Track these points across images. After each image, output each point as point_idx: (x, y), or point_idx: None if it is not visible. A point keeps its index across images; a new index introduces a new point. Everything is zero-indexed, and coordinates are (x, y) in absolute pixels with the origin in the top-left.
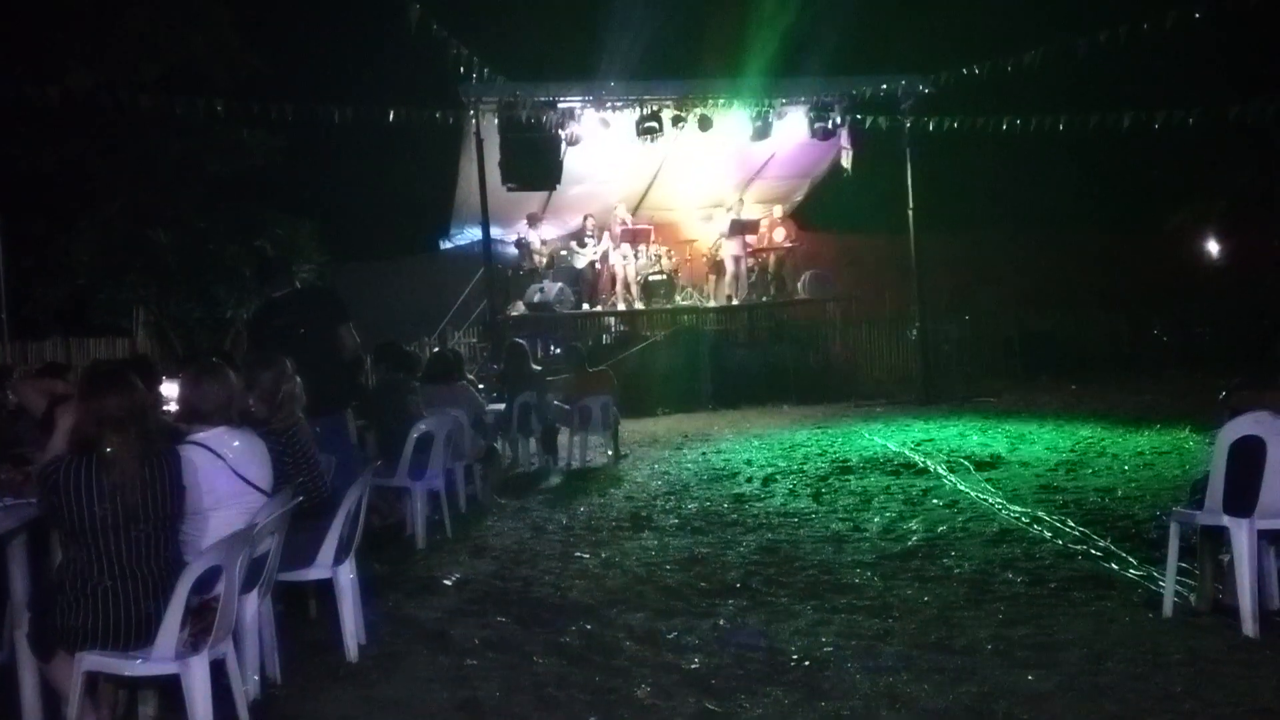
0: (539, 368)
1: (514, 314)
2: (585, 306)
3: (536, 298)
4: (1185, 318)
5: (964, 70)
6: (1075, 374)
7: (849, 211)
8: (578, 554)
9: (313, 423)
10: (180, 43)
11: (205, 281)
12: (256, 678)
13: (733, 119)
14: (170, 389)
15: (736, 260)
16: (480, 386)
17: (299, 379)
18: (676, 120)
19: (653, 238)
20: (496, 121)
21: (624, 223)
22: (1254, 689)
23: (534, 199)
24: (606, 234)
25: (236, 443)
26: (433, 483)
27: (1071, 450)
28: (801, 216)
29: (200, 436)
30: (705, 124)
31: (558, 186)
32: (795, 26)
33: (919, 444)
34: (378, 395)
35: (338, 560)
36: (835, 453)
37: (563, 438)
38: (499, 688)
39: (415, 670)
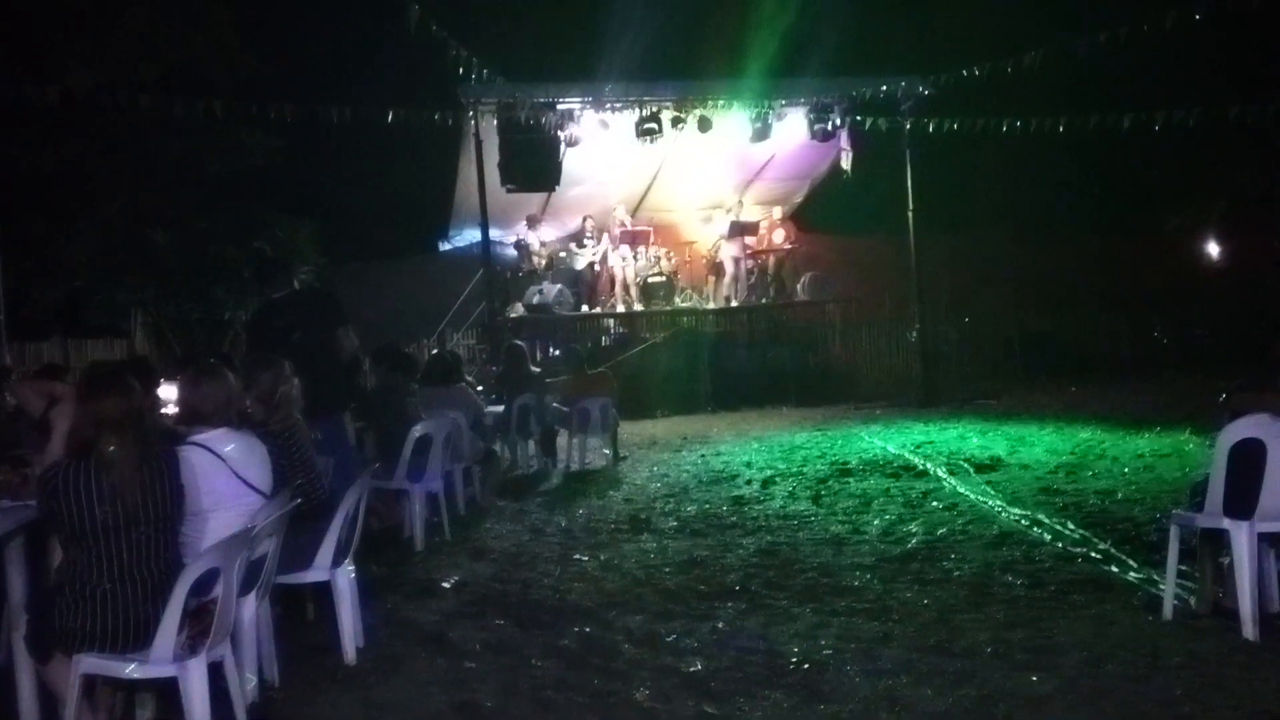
0: (538, 369)
1: (513, 316)
2: (584, 308)
3: (535, 299)
4: (1185, 319)
5: (964, 71)
6: (1075, 376)
7: (849, 213)
8: (576, 556)
9: (311, 425)
10: (180, 43)
11: (204, 282)
12: (254, 680)
13: (732, 120)
14: (168, 391)
15: (736, 262)
16: (479, 388)
17: (297, 380)
18: (676, 121)
19: (652, 239)
20: (496, 122)
21: (623, 224)
22: (1254, 692)
23: (533, 200)
24: (606, 235)
25: (237, 444)
26: (431, 485)
27: (1071, 453)
28: (801, 218)
29: (201, 437)
30: (705, 125)
31: (557, 188)
32: (795, 28)
33: (919, 446)
34: (376, 397)
35: (336, 562)
36: (835, 455)
37: (561, 440)
38: (497, 690)
39: (413, 673)
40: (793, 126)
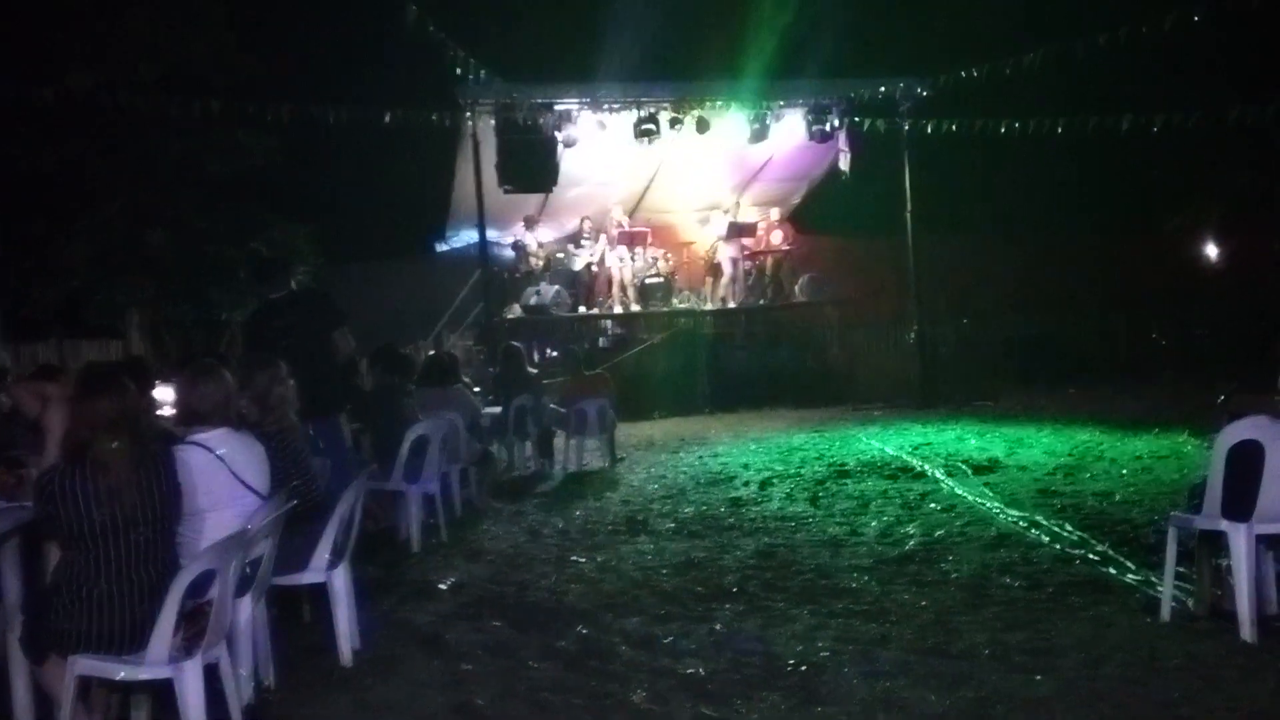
0: (535, 371)
1: (510, 317)
2: (582, 309)
3: (533, 300)
4: (1184, 320)
5: (962, 73)
6: (1073, 377)
7: (847, 214)
8: (574, 558)
9: (307, 426)
10: (179, 44)
11: (201, 283)
12: (250, 682)
13: (730, 121)
14: (164, 392)
15: (734, 263)
16: (476, 389)
17: (292, 382)
18: (674, 122)
19: (650, 240)
20: (493, 123)
21: (621, 225)
22: (1252, 694)
23: (531, 201)
24: (603, 236)
25: (236, 444)
26: (428, 486)
27: (1069, 454)
28: (799, 219)
29: (200, 437)
30: (703, 126)
31: (554, 189)
32: (793, 29)
33: (917, 448)
34: (373, 398)
35: (332, 564)
36: (832, 456)
37: (559, 441)
38: (494, 692)
39: (410, 674)
40: (791, 127)
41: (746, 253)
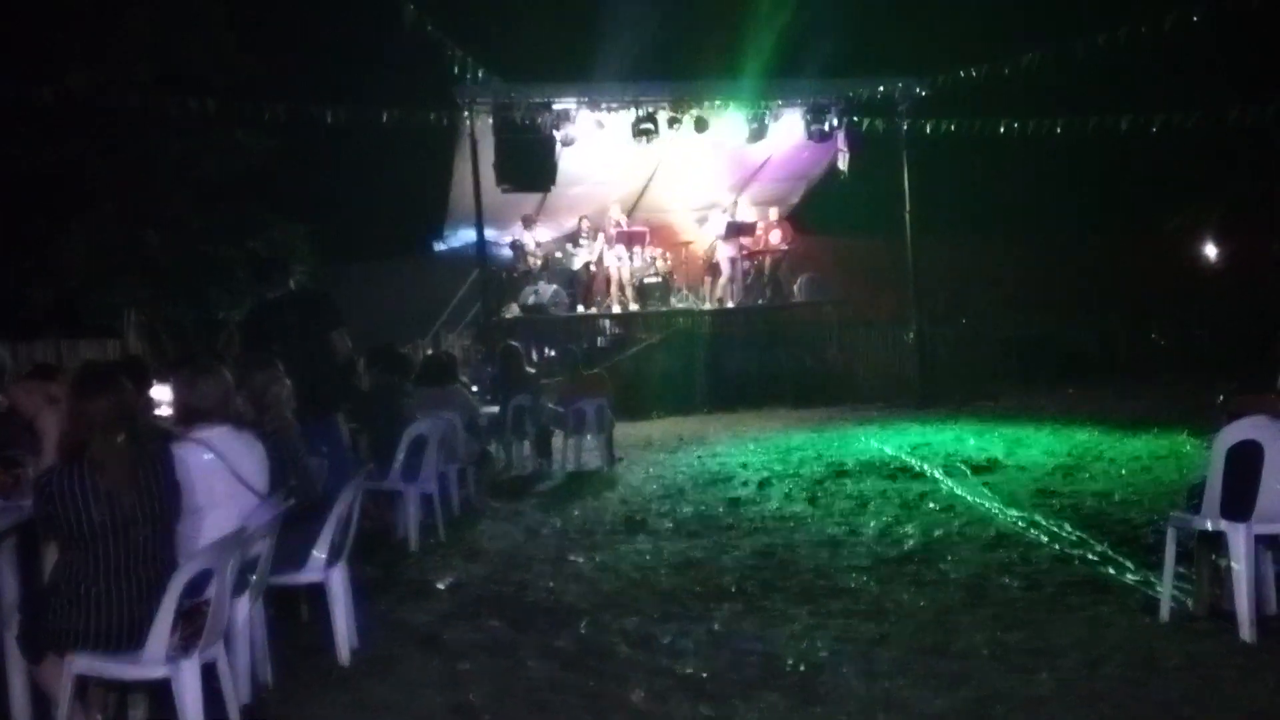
0: (533, 370)
1: (508, 316)
2: (580, 309)
3: (531, 300)
4: (1183, 321)
5: (961, 73)
6: (1073, 377)
7: (846, 214)
8: (572, 558)
9: (304, 426)
10: (178, 44)
11: (199, 283)
12: (248, 681)
13: (729, 121)
14: (162, 392)
15: (732, 262)
16: (474, 389)
17: (289, 382)
18: (672, 122)
19: (648, 240)
20: (491, 123)
21: (619, 225)
22: (1251, 694)
23: (529, 200)
24: (602, 236)
25: (236, 443)
26: (426, 486)
27: (1069, 454)
28: (798, 219)
29: (201, 435)
30: (701, 125)
31: (553, 188)
32: (792, 28)
33: (915, 448)
34: (371, 398)
35: (330, 563)
36: (831, 456)
37: (557, 441)
38: (492, 692)
39: (408, 674)
40: (789, 127)
41: (745, 252)
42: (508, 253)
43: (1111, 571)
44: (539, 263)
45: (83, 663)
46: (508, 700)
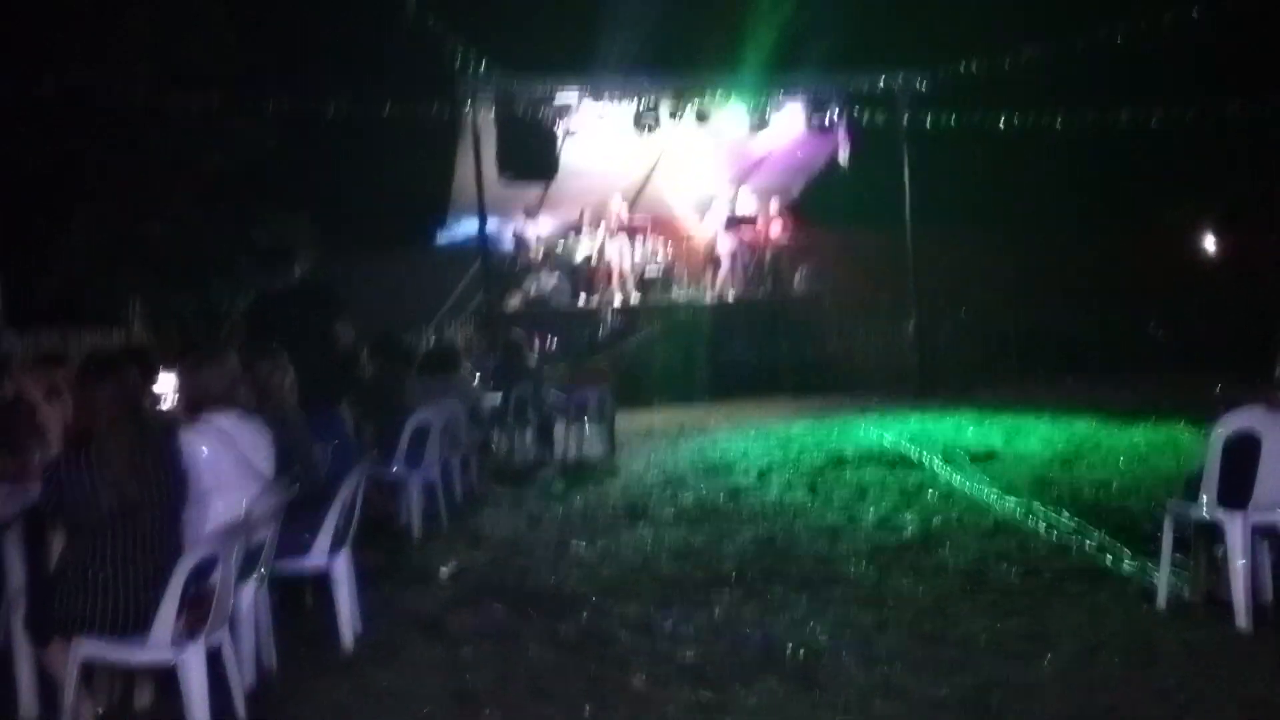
0: (535, 360)
1: (510, 307)
2: (581, 299)
3: (533, 290)
4: (1182, 313)
5: (962, 67)
6: (1071, 368)
7: (846, 206)
8: (573, 545)
9: (307, 415)
10: (179, 38)
11: (201, 274)
12: (252, 667)
13: (730, 113)
14: (167, 381)
15: (733, 254)
16: (476, 378)
17: (292, 370)
18: (674, 113)
19: (649, 231)
20: (493, 114)
21: (621, 216)
22: (1247, 681)
23: (531, 192)
24: (603, 227)
25: (245, 429)
26: (429, 474)
27: (1067, 444)
28: (798, 211)
29: (213, 419)
30: (702, 117)
31: (554, 179)
32: (793, 21)
33: (914, 437)
34: (374, 387)
35: (333, 550)
36: (831, 445)
37: (559, 430)
38: (494, 677)
39: (411, 660)
40: (790, 119)
41: (746, 244)
42: (510, 244)
43: (1109, 560)
44: (541, 254)
45: (89, 648)
46: (509, 686)
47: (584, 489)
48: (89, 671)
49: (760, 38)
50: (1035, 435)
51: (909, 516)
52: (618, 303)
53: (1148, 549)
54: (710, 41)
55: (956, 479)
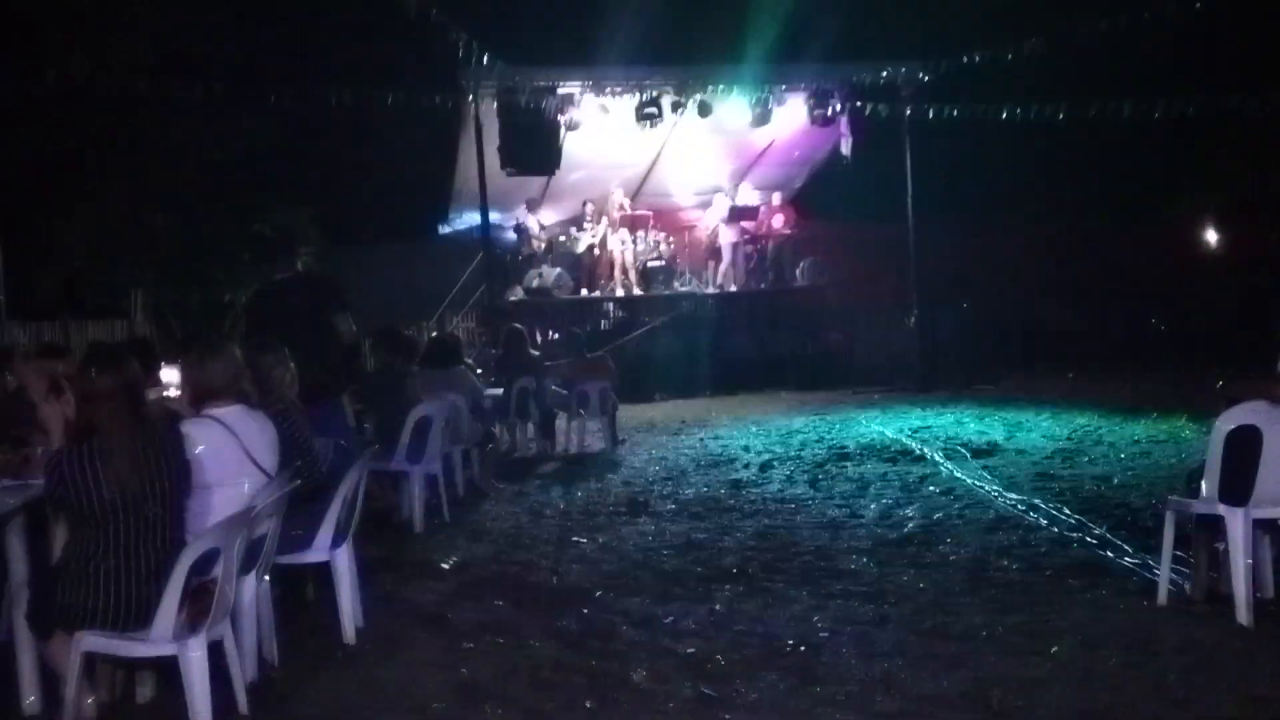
0: (537, 353)
1: (512, 299)
2: (584, 292)
3: (535, 283)
4: (1183, 308)
5: (964, 59)
6: (1073, 362)
7: (848, 199)
8: (575, 539)
9: (309, 408)
10: (181, 27)
11: (203, 265)
12: (254, 660)
13: (732, 105)
14: (170, 373)
15: (735, 247)
16: (479, 371)
17: (293, 365)
18: (676, 106)
19: (652, 223)
20: (496, 106)
21: (623, 208)
22: (1247, 677)
23: (533, 184)
24: (605, 220)
25: (249, 422)
26: (430, 467)
27: (1068, 438)
28: (801, 203)
29: (216, 412)
30: (705, 110)
31: (557, 171)
32: (795, 13)
33: (916, 431)
34: (376, 380)
35: (335, 543)
36: (832, 439)
37: (560, 423)
38: (496, 671)
39: (412, 653)
40: (793, 112)
41: (748, 236)
42: (512, 236)
43: (1110, 555)
44: (543, 246)
45: (91, 640)
46: (511, 679)
47: (585, 482)
48: (91, 664)
49: (763, 30)
50: (1036, 429)
51: (910, 511)
52: (620, 295)
53: (1149, 544)
54: (713, 34)
55: (958, 473)
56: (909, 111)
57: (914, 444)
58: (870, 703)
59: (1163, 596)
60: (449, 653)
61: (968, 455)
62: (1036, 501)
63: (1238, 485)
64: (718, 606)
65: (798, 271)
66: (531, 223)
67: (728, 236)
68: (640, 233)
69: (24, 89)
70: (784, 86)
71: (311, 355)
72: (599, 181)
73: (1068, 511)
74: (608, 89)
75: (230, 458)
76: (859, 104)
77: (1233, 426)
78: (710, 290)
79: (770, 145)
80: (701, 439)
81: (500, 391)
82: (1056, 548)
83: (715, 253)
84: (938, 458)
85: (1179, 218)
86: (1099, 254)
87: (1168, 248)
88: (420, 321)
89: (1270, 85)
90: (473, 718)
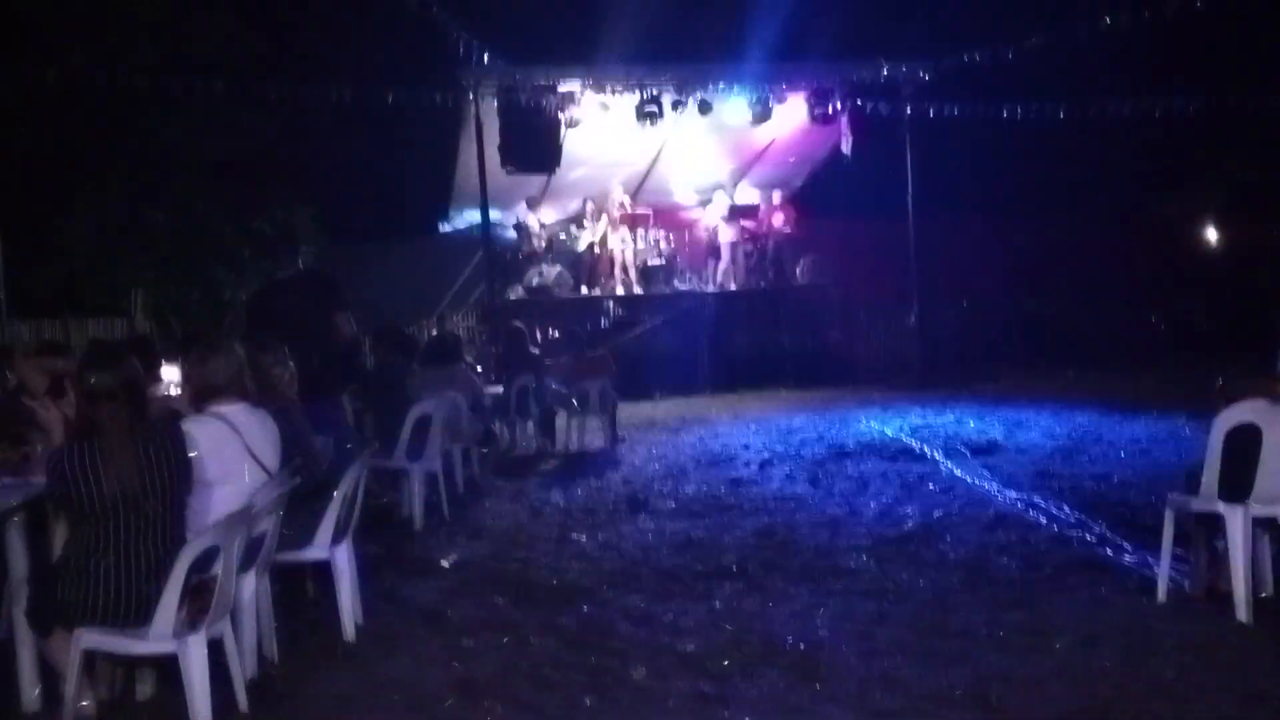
0: (537, 351)
1: (512, 297)
2: (584, 290)
3: (535, 281)
4: (1182, 305)
5: (964, 57)
6: (1072, 360)
7: (848, 197)
8: (574, 536)
9: (309, 405)
10: (181, 23)
11: (203, 263)
12: (254, 657)
13: (733, 103)
14: (171, 371)
15: (735, 245)
16: (479, 369)
17: (293, 364)
18: (676, 104)
19: (652, 222)
20: (496, 104)
21: (623, 206)
22: (1246, 674)
23: (533, 182)
24: (605, 218)
25: (252, 419)
26: (430, 465)
27: (1068, 436)
28: (801, 201)
29: (220, 409)
30: (705, 108)
31: (557, 169)
32: (796, 10)
33: (916, 429)
34: (376, 378)
35: (335, 541)
36: (832, 437)
37: (560, 421)
38: (495, 668)
39: (412, 650)
40: (793, 110)
41: (748, 234)
42: (512, 234)
43: (1109, 553)
44: (543, 244)
45: (91, 638)
46: (510, 677)
47: (585, 480)
48: (90, 661)
49: (763, 28)
50: (1036, 427)
51: (910, 509)
52: (620, 293)
53: (1148, 542)
54: (713, 32)
55: (958, 471)
56: (909, 110)
57: (914, 442)
58: (870, 700)
59: (1162, 594)
60: (449, 650)
61: (967, 453)
62: (1036, 499)
63: (1237, 483)
64: (717, 604)
65: (798, 270)
66: (532, 221)
67: (728, 235)
68: (640, 231)
69: (24, 87)
70: (784, 84)
71: (312, 353)
72: (599, 180)
73: (1067, 509)
74: (608, 87)
75: (232, 455)
76: (859, 102)
77: (1232, 424)
78: (710, 288)
79: (771, 143)
80: (701, 437)
81: (500, 389)
82: (1056, 545)
83: (715, 251)
84: (937, 456)
85: (1179, 215)
86: (1099, 251)
87: (1167, 245)
88: (420, 319)
89: (1270, 81)
90: (472, 715)
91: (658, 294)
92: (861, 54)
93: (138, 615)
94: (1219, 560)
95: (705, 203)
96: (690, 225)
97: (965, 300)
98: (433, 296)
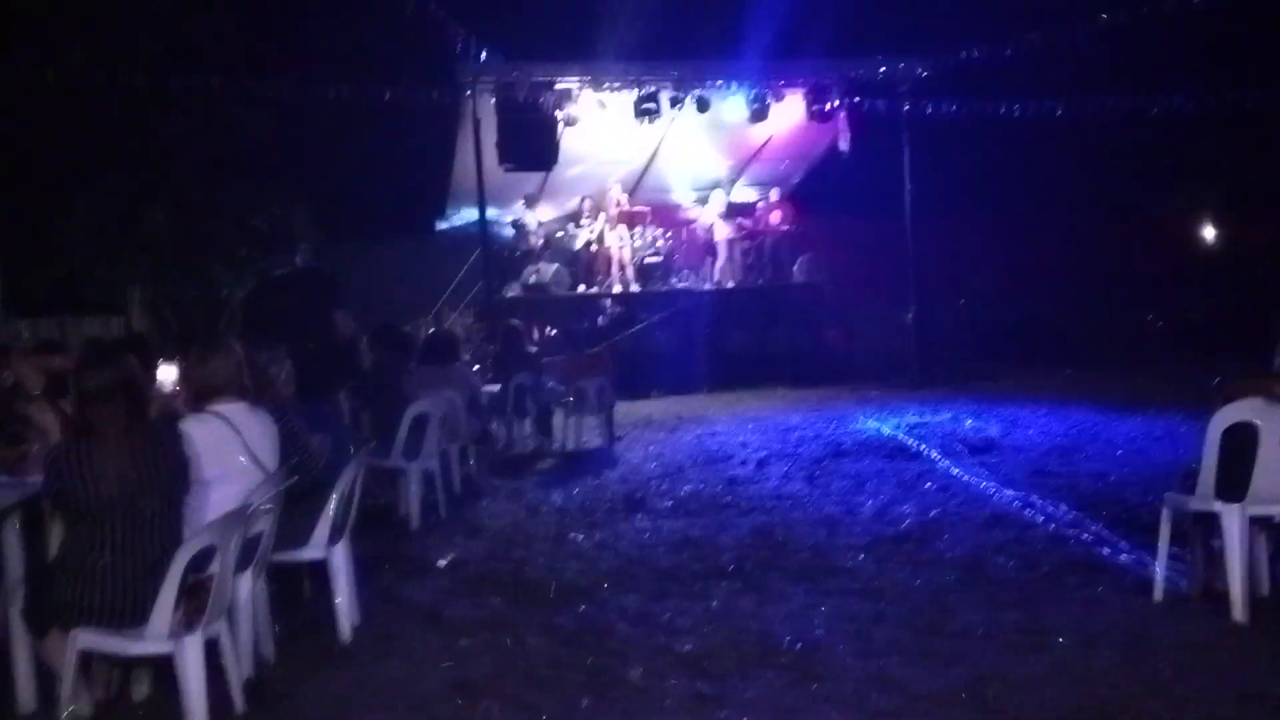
0: (534, 349)
1: (510, 295)
2: (581, 288)
3: (532, 279)
4: (1180, 303)
5: (962, 54)
6: (1070, 359)
7: (846, 195)
8: (572, 535)
9: (306, 404)
10: (179, 21)
11: (201, 261)
12: (250, 657)
13: (730, 101)
14: (167, 370)
15: (732, 243)
16: (476, 368)
17: (289, 362)
18: (674, 101)
19: (649, 219)
20: (493, 101)
21: (620, 204)
22: (1243, 674)
23: (531, 180)
24: (603, 216)
25: (251, 419)
26: (427, 464)
27: (1065, 435)
28: (798, 199)
29: (219, 408)
30: (703, 105)
31: (554, 167)
32: (794, 8)
33: (913, 428)
34: (373, 376)
35: (332, 540)
36: (829, 436)
37: (558, 419)
38: (492, 668)
39: (409, 650)
40: (791, 107)
41: (745, 232)
42: (509, 232)
43: (1106, 552)
44: (540, 242)
45: (87, 638)
46: (507, 677)
47: (582, 479)
48: (87, 662)
49: (761, 25)
50: (1033, 426)
51: (907, 508)
52: (617, 291)
53: (1145, 541)
54: (711, 29)
55: (955, 470)
56: (907, 107)
57: (911, 440)
58: (866, 700)
59: (1159, 593)
60: (445, 650)
61: (965, 452)
62: (1033, 498)
63: (1234, 482)
64: (714, 603)
65: (795, 268)
66: (529, 218)
67: (725, 232)
68: (638, 229)
69: (21, 84)
70: (782, 82)
71: (308, 351)
72: (597, 177)
73: (1064, 508)
74: (606, 84)
75: (229, 454)
76: (857, 100)
77: (1229, 423)
78: (707, 286)
79: (768, 141)
80: (698, 435)
81: (497, 387)
82: (1053, 545)
83: (712, 249)
84: (935, 454)
85: (1177, 213)
86: (1097, 250)
87: (1165, 243)
88: (417, 317)
89: (1268, 80)
90: (469, 715)
91: (655, 292)
92: (859, 52)
93: (134, 615)
94: (1216, 559)
95: (703, 200)
96: (688, 223)
97: (963, 298)
98: (430, 294)
